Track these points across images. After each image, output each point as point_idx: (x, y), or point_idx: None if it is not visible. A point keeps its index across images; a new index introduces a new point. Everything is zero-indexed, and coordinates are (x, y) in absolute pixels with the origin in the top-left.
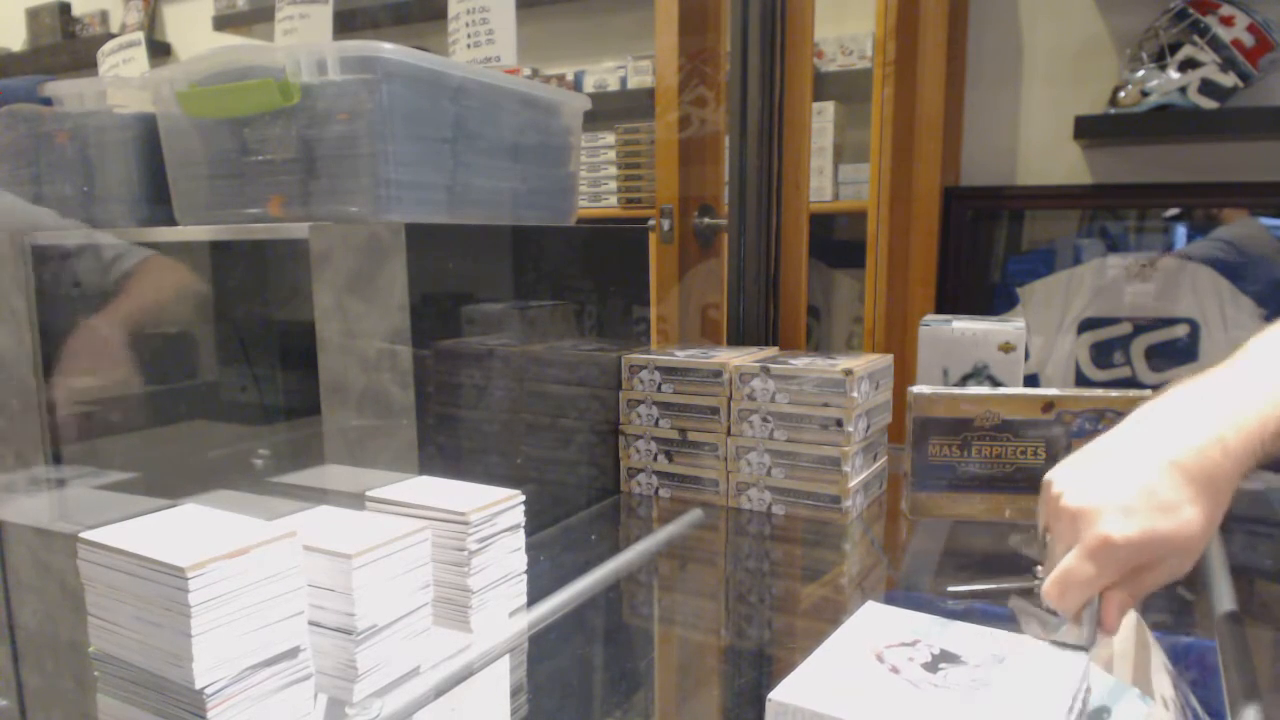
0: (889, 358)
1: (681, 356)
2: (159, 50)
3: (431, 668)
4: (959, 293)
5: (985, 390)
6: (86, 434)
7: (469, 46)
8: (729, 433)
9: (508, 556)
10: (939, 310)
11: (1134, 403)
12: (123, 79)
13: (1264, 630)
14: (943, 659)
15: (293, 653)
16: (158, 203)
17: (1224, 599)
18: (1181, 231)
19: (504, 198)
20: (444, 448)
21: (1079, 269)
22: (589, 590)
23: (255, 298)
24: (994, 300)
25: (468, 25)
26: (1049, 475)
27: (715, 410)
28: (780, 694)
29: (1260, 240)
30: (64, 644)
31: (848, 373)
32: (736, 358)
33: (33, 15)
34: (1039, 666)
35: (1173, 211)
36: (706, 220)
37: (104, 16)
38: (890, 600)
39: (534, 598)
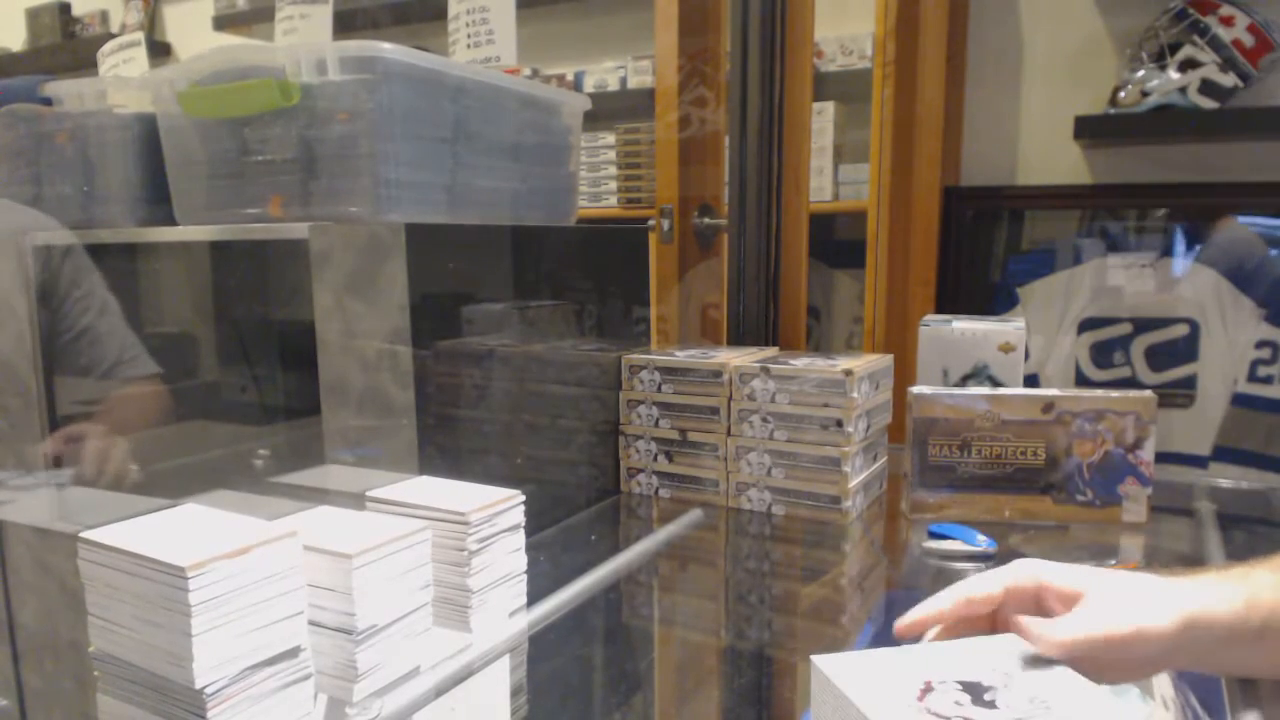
0: (889, 358)
1: (681, 357)
2: (159, 50)
3: (431, 668)
4: (959, 293)
5: (985, 390)
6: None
7: (469, 46)
8: (729, 433)
9: (508, 557)
10: (939, 310)
11: (1134, 403)
12: (123, 79)
13: None
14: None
15: (293, 653)
16: (158, 203)
17: None
18: (1182, 232)
19: (504, 198)
20: (444, 448)
21: (1079, 269)
22: (589, 590)
23: (255, 298)
24: (994, 300)
25: (468, 25)
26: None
27: (715, 410)
28: (823, 661)
29: (1260, 240)
30: (64, 644)
31: (848, 373)
32: (736, 358)
33: (33, 15)
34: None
35: (1160, 213)
36: (706, 220)
37: (104, 16)
38: (890, 601)
39: (534, 598)
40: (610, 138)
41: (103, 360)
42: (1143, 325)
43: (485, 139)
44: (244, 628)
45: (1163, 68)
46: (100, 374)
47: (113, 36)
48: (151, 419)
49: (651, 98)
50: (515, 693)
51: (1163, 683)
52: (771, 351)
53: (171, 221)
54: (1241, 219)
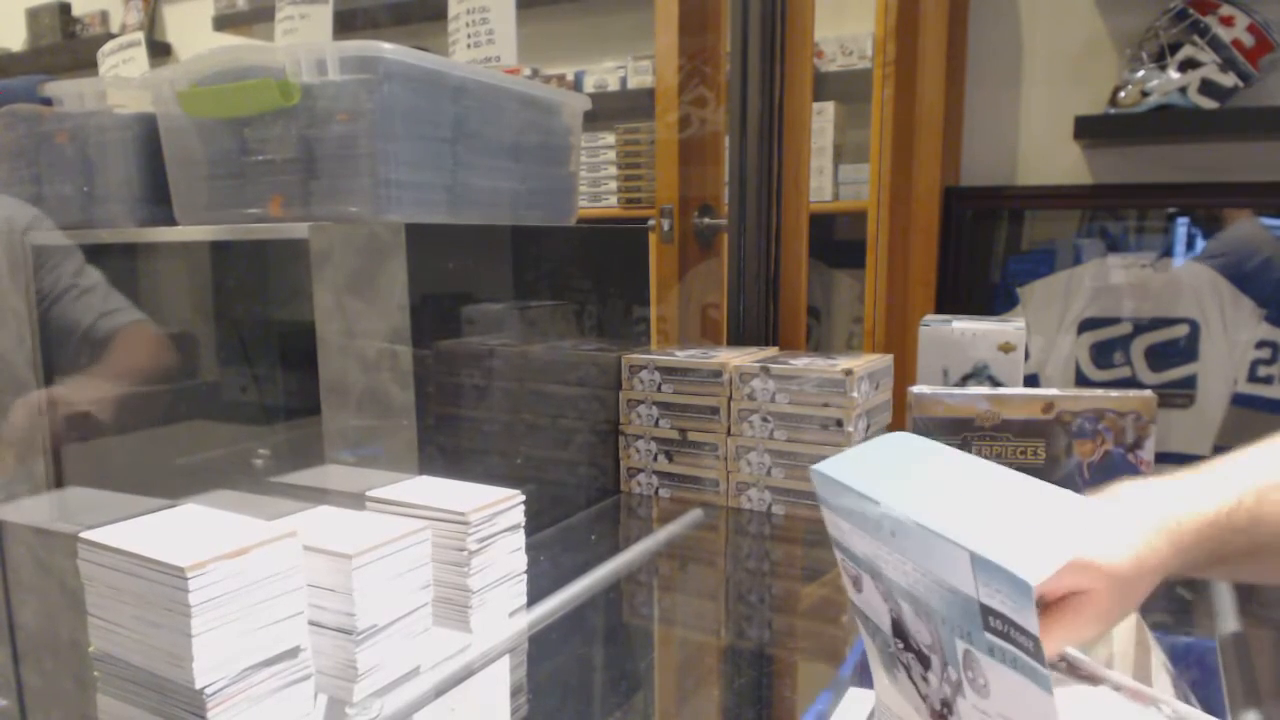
0: (889, 358)
1: (681, 356)
2: (159, 50)
3: (431, 668)
4: (959, 293)
5: (985, 390)
6: (86, 434)
7: (469, 46)
8: (729, 433)
9: (507, 556)
10: (939, 310)
11: (1134, 403)
12: (123, 79)
13: (1264, 631)
14: None
15: (293, 653)
16: (158, 203)
17: (1224, 600)
18: (1182, 232)
19: (504, 198)
20: (444, 448)
21: (1079, 269)
22: (589, 590)
23: (255, 298)
24: (994, 300)
25: (468, 25)
26: None
27: (715, 410)
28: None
29: (1260, 240)
30: (64, 644)
31: (848, 373)
32: (736, 358)
33: (33, 15)
34: None
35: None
36: (706, 220)
37: (104, 16)
38: None
39: (534, 598)
40: (610, 138)
41: (89, 311)
42: (1143, 325)
43: (485, 139)
44: (244, 628)
45: (1163, 68)
46: (88, 326)
47: (113, 36)
48: (152, 360)
49: (651, 98)
50: (515, 693)
51: (1163, 682)
52: (771, 351)
53: (171, 221)
54: (1261, 219)
